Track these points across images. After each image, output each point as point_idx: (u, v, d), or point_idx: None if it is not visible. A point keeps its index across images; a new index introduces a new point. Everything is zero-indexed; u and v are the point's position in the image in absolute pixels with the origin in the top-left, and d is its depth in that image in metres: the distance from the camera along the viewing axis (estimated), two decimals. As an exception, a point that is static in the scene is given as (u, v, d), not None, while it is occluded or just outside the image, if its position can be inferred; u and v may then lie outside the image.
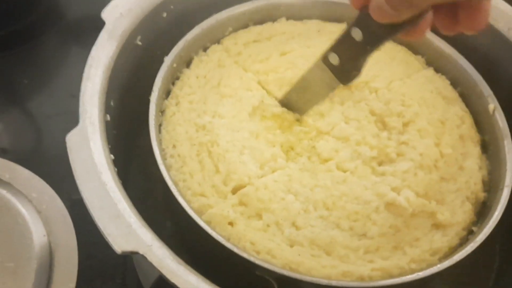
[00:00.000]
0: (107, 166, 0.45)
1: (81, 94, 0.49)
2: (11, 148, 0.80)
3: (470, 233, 0.53)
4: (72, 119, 0.77)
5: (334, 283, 0.46)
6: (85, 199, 0.42)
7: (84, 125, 0.47)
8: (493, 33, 0.65)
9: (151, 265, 0.40)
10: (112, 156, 0.47)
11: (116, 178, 0.45)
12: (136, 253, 0.40)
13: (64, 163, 0.76)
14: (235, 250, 0.46)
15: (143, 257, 0.40)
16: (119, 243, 0.40)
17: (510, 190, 0.53)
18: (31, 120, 0.84)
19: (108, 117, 0.52)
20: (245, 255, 0.46)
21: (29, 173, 0.66)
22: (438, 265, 0.48)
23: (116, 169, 0.49)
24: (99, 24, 0.57)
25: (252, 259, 0.46)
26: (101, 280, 0.68)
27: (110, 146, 0.50)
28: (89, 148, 0.45)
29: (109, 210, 0.42)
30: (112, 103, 0.54)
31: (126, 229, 0.41)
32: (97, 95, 0.50)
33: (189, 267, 0.41)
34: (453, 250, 0.52)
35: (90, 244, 0.69)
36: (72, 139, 0.45)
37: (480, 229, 0.51)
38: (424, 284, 0.60)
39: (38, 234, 0.61)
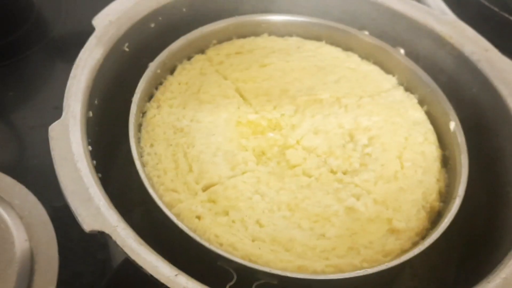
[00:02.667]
0: (84, 155, 0.49)
1: (66, 90, 0.54)
2: (-5, 157, 0.84)
3: (423, 239, 0.57)
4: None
5: (288, 274, 0.49)
6: (60, 183, 0.46)
7: (66, 117, 0.51)
8: (459, 57, 0.70)
9: (115, 244, 0.43)
10: (90, 148, 0.51)
11: (91, 166, 0.49)
12: (102, 232, 0.43)
13: (47, 171, 0.80)
14: (198, 239, 0.50)
15: (109, 236, 0.43)
16: (88, 223, 0.44)
17: (461, 199, 0.56)
18: (15, 131, 0.88)
19: (91, 114, 0.56)
20: (206, 244, 0.50)
21: (12, 181, 0.69)
22: (386, 263, 0.51)
23: (94, 162, 0.53)
24: (84, 40, 0.61)
25: (213, 248, 0.50)
26: (80, 285, 0.71)
27: (90, 140, 0.54)
28: (68, 139, 0.50)
29: (81, 193, 0.46)
30: (96, 102, 0.58)
31: (95, 211, 0.45)
32: (81, 93, 0.54)
33: (150, 248, 0.44)
34: (404, 253, 0.55)
35: (71, 250, 0.73)
36: (54, 129, 0.50)
37: (430, 234, 0.54)
38: (391, 282, 0.63)
39: (19, 239, 0.63)
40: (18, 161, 0.85)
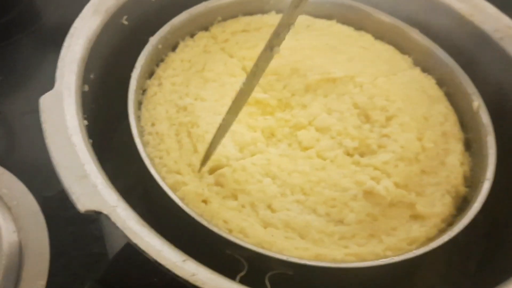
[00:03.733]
0: (79, 129, 0.44)
1: (60, 59, 0.49)
2: (-18, 144, 0.79)
3: (449, 225, 0.52)
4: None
5: (307, 262, 0.44)
6: (52, 158, 0.41)
7: (59, 88, 0.46)
8: (480, 35, 0.65)
9: (114, 226, 0.38)
10: (86, 122, 0.46)
11: (88, 141, 0.44)
12: (100, 212, 0.38)
13: (37, 160, 0.76)
14: (206, 224, 0.45)
15: (107, 217, 0.38)
16: (83, 202, 0.39)
17: (491, 183, 0.52)
18: (4, 117, 0.84)
19: (86, 88, 0.51)
20: (216, 229, 0.45)
21: (0, 169, 0.65)
22: (414, 251, 0.46)
23: (90, 140, 0.48)
24: None
25: (223, 234, 0.45)
26: (73, 279, 0.67)
27: (85, 116, 0.49)
28: (62, 110, 0.45)
29: (75, 170, 0.41)
30: (92, 76, 0.53)
31: (92, 189, 0.40)
32: (76, 63, 0.49)
33: (153, 231, 0.39)
34: (431, 241, 0.50)
35: (63, 243, 0.69)
36: (45, 100, 0.45)
37: (459, 220, 0.50)
38: (408, 274, 0.59)
39: (7, 231, 0.59)
40: (7, 149, 0.80)
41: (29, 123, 0.82)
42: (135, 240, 0.38)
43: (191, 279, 0.37)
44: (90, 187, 0.40)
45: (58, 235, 0.67)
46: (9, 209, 0.63)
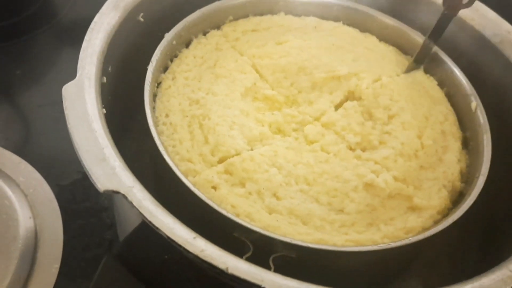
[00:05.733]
0: (99, 117, 0.47)
1: (81, 52, 0.52)
2: (1, 134, 0.82)
3: (444, 217, 0.55)
4: (63, 109, 0.80)
5: (310, 245, 0.47)
6: (74, 142, 0.45)
7: (81, 78, 0.49)
8: (480, 39, 0.68)
9: (131, 205, 0.41)
10: (104, 110, 0.50)
11: (106, 128, 0.47)
12: (118, 192, 0.41)
13: (53, 150, 0.79)
14: (216, 207, 0.48)
15: (124, 197, 0.41)
16: (102, 182, 0.42)
17: (485, 178, 0.55)
18: (23, 109, 0.87)
19: (105, 79, 0.54)
20: (224, 212, 0.48)
21: (18, 158, 0.69)
22: (409, 238, 0.49)
23: (108, 127, 0.51)
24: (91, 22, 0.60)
25: (232, 216, 0.48)
26: (85, 263, 0.69)
27: (104, 105, 0.52)
28: (83, 99, 0.48)
29: (96, 153, 0.44)
30: (110, 69, 0.56)
31: (110, 171, 0.43)
32: (96, 55, 0.52)
33: (166, 211, 0.42)
34: (426, 231, 0.53)
35: (77, 229, 0.72)
36: (68, 89, 0.48)
37: (453, 212, 0.52)
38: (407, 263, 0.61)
39: (24, 216, 0.63)
40: (24, 140, 0.83)
41: (46, 116, 0.85)
42: (150, 218, 0.41)
43: (201, 255, 0.40)
44: (109, 169, 0.43)
45: (71, 222, 0.70)
46: (25, 196, 0.66)
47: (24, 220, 0.63)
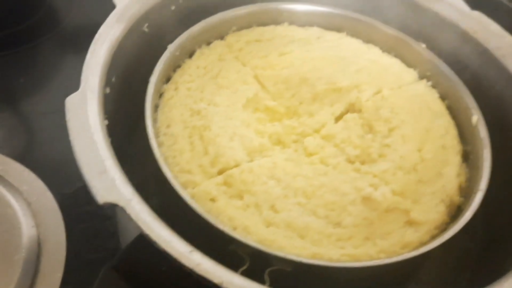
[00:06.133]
0: (100, 128, 0.48)
1: (85, 63, 0.53)
2: (4, 142, 0.84)
3: (442, 232, 0.55)
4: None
5: (303, 260, 0.48)
6: (75, 154, 0.46)
7: (83, 90, 0.50)
8: (483, 52, 0.68)
9: (129, 217, 0.42)
10: (106, 122, 0.50)
11: (108, 140, 0.48)
12: (116, 205, 0.42)
13: (57, 158, 0.80)
14: (212, 221, 0.49)
15: (122, 210, 0.42)
16: (102, 195, 0.43)
17: (483, 193, 0.55)
18: (26, 117, 0.88)
19: (108, 90, 0.55)
20: (221, 226, 0.48)
21: (21, 167, 0.69)
22: (405, 254, 0.49)
23: (110, 138, 0.52)
24: (95, 30, 0.60)
25: (227, 231, 0.49)
26: (88, 271, 0.70)
27: (106, 116, 0.53)
28: (85, 110, 0.49)
29: (96, 165, 0.45)
30: (113, 79, 0.57)
31: (110, 183, 0.44)
32: (99, 67, 0.53)
33: (164, 223, 0.43)
34: (423, 246, 0.53)
35: (79, 237, 0.73)
36: (71, 101, 0.49)
37: (451, 227, 0.53)
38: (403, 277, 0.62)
39: (27, 225, 0.63)
40: (27, 148, 0.85)
41: (49, 123, 0.86)
42: (147, 231, 0.42)
43: (196, 268, 0.40)
44: (108, 181, 0.44)
45: (74, 230, 0.71)
46: (29, 205, 0.67)
47: (27, 229, 0.64)
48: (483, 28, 0.69)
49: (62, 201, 0.68)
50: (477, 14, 0.72)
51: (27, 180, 0.69)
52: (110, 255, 0.72)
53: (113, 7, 0.64)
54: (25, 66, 0.94)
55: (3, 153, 0.71)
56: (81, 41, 1.01)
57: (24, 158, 0.72)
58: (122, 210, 0.43)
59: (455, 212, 0.58)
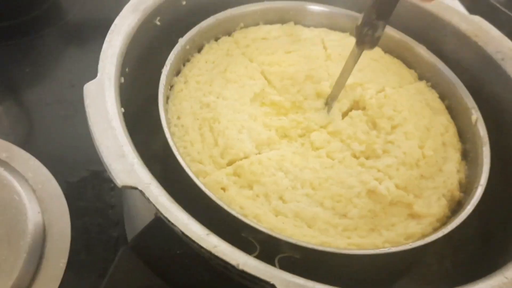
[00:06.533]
0: (118, 115, 0.49)
1: (102, 52, 0.54)
2: (11, 130, 0.85)
3: (443, 225, 0.57)
4: (71, 107, 0.82)
5: (315, 247, 0.49)
6: (95, 139, 0.46)
7: (102, 78, 0.51)
8: (483, 55, 0.70)
9: (148, 201, 0.43)
10: (122, 109, 0.52)
11: (124, 126, 0.49)
12: (135, 188, 0.43)
13: (62, 147, 0.82)
14: (225, 207, 0.50)
15: (141, 193, 0.44)
16: (122, 178, 0.44)
17: (483, 188, 0.57)
18: (31, 106, 0.89)
19: (123, 80, 0.56)
20: (234, 212, 0.50)
21: (27, 154, 0.71)
22: (410, 244, 0.51)
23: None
24: (98, 24, 0.62)
25: (241, 217, 0.50)
26: (92, 258, 0.71)
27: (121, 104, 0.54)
28: (104, 97, 0.50)
29: (115, 150, 0.46)
30: (127, 70, 0.58)
31: (129, 167, 0.45)
32: (116, 57, 0.55)
33: (181, 207, 0.44)
34: (425, 237, 0.55)
35: (83, 224, 0.74)
36: (89, 88, 0.50)
37: (452, 220, 0.55)
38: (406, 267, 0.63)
39: (33, 211, 0.64)
40: (33, 136, 0.85)
41: (54, 113, 0.88)
42: (166, 213, 0.43)
43: (213, 250, 0.42)
44: (127, 165, 0.45)
45: (78, 217, 0.72)
46: (34, 191, 0.68)
47: (33, 215, 0.65)
48: (484, 32, 0.72)
49: (67, 189, 0.69)
50: (478, 19, 0.74)
51: (32, 167, 0.70)
52: (114, 243, 0.73)
53: (117, 1, 0.65)
54: (30, 56, 0.95)
55: (9, 141, 0.72)
56: (85, 33, 1.03)
57: (29, 146, 0.73)
58: (140, 194, 0.44)
59: (456, 206, 0.60)
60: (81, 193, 0.78)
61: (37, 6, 1.04)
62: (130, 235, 0.68)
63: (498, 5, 0.89)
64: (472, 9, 0.89)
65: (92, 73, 0.53)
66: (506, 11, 0.88)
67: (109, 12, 0.63)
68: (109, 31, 0.57)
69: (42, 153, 0.72)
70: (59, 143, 0.84)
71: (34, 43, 0.99)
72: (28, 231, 0.63)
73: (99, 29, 0.62)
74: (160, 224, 0.44)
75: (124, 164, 0.45)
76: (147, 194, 0.44)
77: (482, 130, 0.64)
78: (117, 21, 0.58)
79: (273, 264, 0.49)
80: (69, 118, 0.86)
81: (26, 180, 0.69)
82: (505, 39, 0.71)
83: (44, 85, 0.92)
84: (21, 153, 0.72)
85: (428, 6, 0.76)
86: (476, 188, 0.57)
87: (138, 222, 0.62)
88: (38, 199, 0.68)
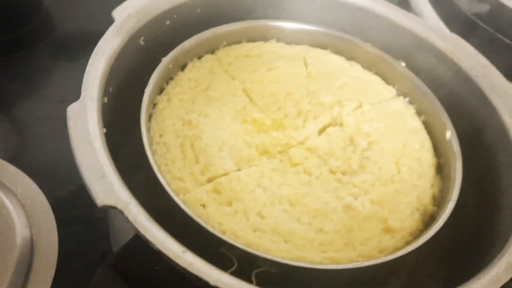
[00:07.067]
0: (99, 136, 0.51)
1: (85, 74, 0.56)
2: (0, 146, 0.86)
3: (415, 238, 0.59)
4: (61, 123, 0.84)
5: (288, 262, 0.51)
6: (76, 160, 0.48)
7: (84, 99, 0.53)
8: (458, 71, 0.73)
9: (126, 220, 0.45)
10: (104, 130, 0.54)
11: (106, 146, 0.51)
12: (115, 207, 0.45)
13: (50, 162, 0.83)
14: (203, 224, 0.52)
15: (120, 212, 0.45)
16: (101, 198, 0.46)
17: (454, 203, 0.59)
18: (21, 122, 0.91)
19: (106, 100, 0.58)
20: (211, 229, 0.52)
21: (16, 170, 0.72)
22: (382, 258, 0.53)
23: (107, 145, 0.55)
24: (89, 39, 0.63)
25: (218, 234, 0.52)
26: (79, 272, 0.73)
27: (104, 124, 0.56)
28: (86, 119, 0.52)
29: (96, 170, 0.48)
30: (111, 89, 0.60)
31: (109, 187, 0.47)
32: (99, 78, 0.57)
33: (159, 226, 0.46)
34: (398, 251, 0.57)
35: (70, 238, 0.75)
36: (72, 109, 0.52)
37: (424, 234, 0.57)
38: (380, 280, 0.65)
39: (21, 226, 0.66)
40: (22, 151, 0.87)
41: (43, 128, 0.89)
42: (144, 232, 0.45)
43: (189, 267, 0.44)
44: (107, 185, 0.47)
45: (66, 231, 0.74)
46: (23, 206, 0.69)
47: (21, 230, 0.66)
48: (459, 49, 0.74)
49: (55, 203, 0.71)
50: (454, 36, 0.77)
51: (21, 182, 0.71)
52: (101, 256, 0.74)
53: (107, 16, 0.67)
54: (20, 71, 0.97)
55: (-1, 157, 0.73)
56: (75, 49, 1.05)
57: (19, 161, 0.74)
58: (120, 212, 0.46)
59: (429, 220, 0.62)
60: (69, 207, 0.80)
61: (27, 22, 1.06)
62: (116, 249, 0.70)
63: (478, 21, 0.92)
64: (452, 25, 0.92)
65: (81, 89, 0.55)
66: (486, 27, 0.90)
67: (100, 26, 0.64)
68: (93, 53, 0.59)
69: (32, 168, 0.74)
70: (48, 158, 0.86)
71: (24, 59, 1.00)
72: (16, 246, 0.64)
73: (89, 44, 0.64)
74: (140, 241, 0.46)
75: (104, 185, 0.47)
76: (126, 213, 0.46)
77: (455, 145, 0.66)
78: (101, 42, 0.60)
79: (250, 279, 0.51)
80: (58, 134, 0.87)
81: (15, 195, 0.71)
82: (479, 56, 0.73)
83: (33, 101, 0.94)
84: (11, 168, 0.73)
85: (406, 23, 0.78)
86: (448, 202, 0.60)
87: (122, 236, 0.64)
88: (26, 214, 0.69)
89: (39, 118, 0.91)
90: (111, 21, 0.65)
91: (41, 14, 1.08)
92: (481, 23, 0.93)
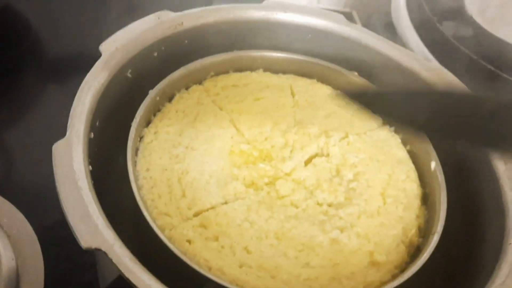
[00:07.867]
0: (85, 174, 0.51)
1: (71, 110, 0.56)
2: (-15, 174, 0.85)
3: (401, 271, 0.59)
4: (47, 150, 0.84)
5: (273, 300, 0.51)
6: (61, 200, 0.48)
7: (70, 137, 0.53)
8: (442, 102, 0.74)
9: (111, 261, 0.45)
10: (90, 167, 0.54)
11: (91, 185, 0.51)
12: (99, 249, 0.45)
13: (36, 191, 0.82)
14: (188, 262, 0.52)
15: (105, 254, 0.45)
16: (86, 240, 0.46)
17: (439, 236, 0.60)
18: (6, 149, 0.90)
19: (92, 135, 0.58)
20: (196, 267, 0.52)
21: (1, 199, 0.71)
22: (367, 294, 0.53)
23: (92, 182, 0.55)
24: (77, 64, 0.64)
25: (203, 272, 0.52)
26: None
27: (90, 160, 0.56)
28: (71, 157, 0.52)
29: (80, 210, 0.48)
30: (97, 123, 0.61)
31: (93, 228, 0.47)
32: (85, 114, 0.57)
33: (143, 267, 0.46)
34: (384, 285, 0.57)
35: (57, 269, 0.75)
36: (57, 147, 0.52)
37: (410, 267, 0.57)
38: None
39: (6, 257, 0.65)
40: (7, 180, 0.86)
41: (30, 155, 0.88)
42: (128, 275, 0.45)
43: (173, 310, 0.44)
44: (92, 226, 0.47)
45: (52, 262, 0.73)
46: (8, 237, 0.68)
47: (7, 261, 0.65)
48: (442, 78, 0.75)
49: (41, 233, 0.70)
50: (437, 66, 0.78)
51: (7, 212, 0.70)
52: (87, 286, 0.74)
53: (96, 40, 0.67)
54: (6, 98, 0.96)
55: (-16, 186, 0.73)
56: (63, 74, 1.04)
57: (4, 189, 0.73)
58: (105, 254, 0.46)
59: (415, 251, 0.63)
60: (55, 237, 0.79)
61: (16, 48, 1.06)
62: (102, 281, 0.70)
63: (461, 46, 0.93)
64: (436, 51, 0.93)
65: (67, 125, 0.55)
66: (469, 53, 0.92)
67: (90, 50, 0.65)
68: (80, 88, 0.59)
69: (18, 197, 0.73)
70: (35, 187, 0.85)
71: (11, 84, 1.00)
72: (2, 277, 0.63)
73: (78, 69, 0.64)
74: (125, 282, 0.46)
75: (89, 225, 0.47)
76: (110, 255, 0.45)
77: (440, 175, 0.67)
78: (87, 77, 0.60)
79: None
80: (44, 161, 0.87)
81: (1, 226, 0.70)
82: (461, 84, 0.75)
83: (19, 128, 0.93)
84: (-5, 197, 0.73)
85: (390, 53, 0.79)
86: (433, 235, 0.60)
87: (108, 271, 0.64)
88: (12, 245, 0.68)
89: (25, 144, 0.90)
90: (100, 44, 0.66)
91: (29, 39, 1.08)
92: (464, 49, 0.94)
